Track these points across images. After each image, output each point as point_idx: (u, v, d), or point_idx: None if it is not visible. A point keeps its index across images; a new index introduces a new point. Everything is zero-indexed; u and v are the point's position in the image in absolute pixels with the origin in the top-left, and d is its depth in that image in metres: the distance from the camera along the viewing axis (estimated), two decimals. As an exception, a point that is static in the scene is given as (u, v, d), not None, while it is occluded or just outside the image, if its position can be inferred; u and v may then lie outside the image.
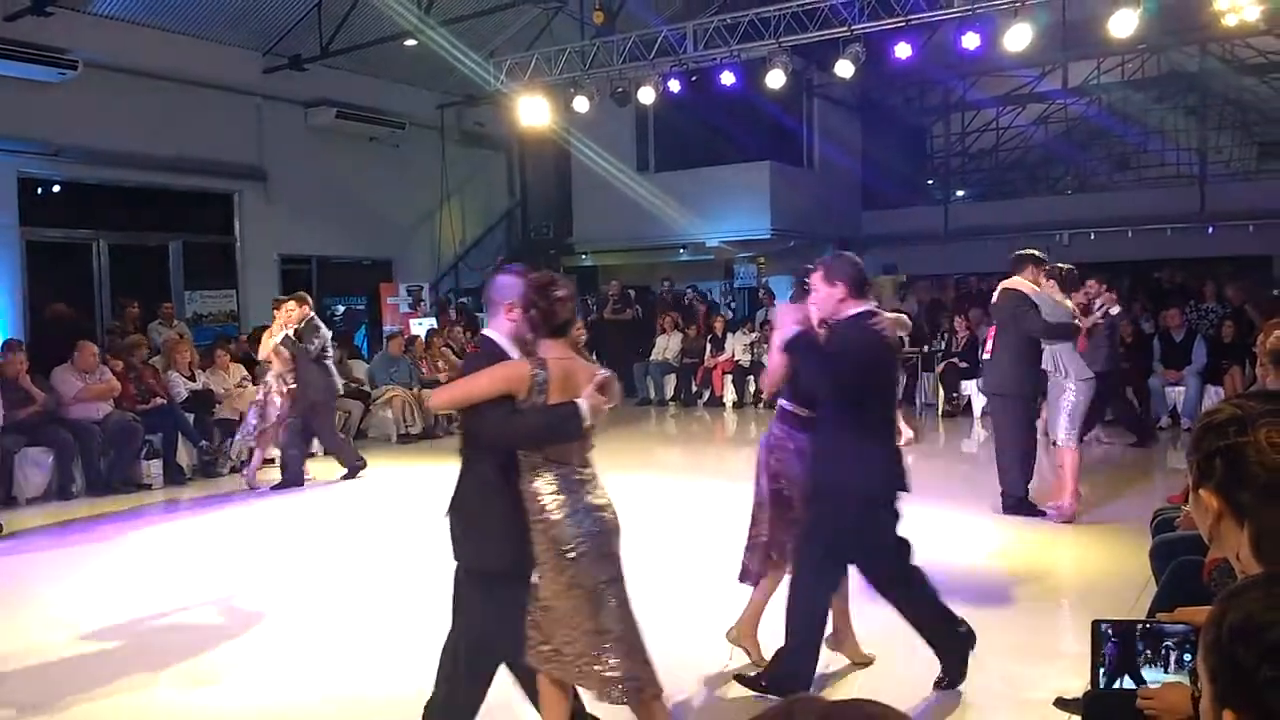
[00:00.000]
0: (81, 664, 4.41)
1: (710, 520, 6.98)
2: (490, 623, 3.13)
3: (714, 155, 15.57)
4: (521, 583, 3.04)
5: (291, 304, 8.76)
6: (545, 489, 2.94)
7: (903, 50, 10.19)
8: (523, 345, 3.06)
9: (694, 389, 13.70)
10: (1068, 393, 6.54)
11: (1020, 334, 6.56)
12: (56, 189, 12.11)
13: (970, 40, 9.56)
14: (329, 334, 9.20)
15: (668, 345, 14.02)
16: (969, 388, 11.93)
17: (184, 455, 9.10)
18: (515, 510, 3.02)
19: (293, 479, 8.65)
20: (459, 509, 3.21)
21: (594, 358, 4.03)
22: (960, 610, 4.80)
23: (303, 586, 5.64)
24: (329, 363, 8.96)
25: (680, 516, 7.17)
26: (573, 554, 2.90)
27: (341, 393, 9.47)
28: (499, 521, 3.02)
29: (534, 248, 17.87)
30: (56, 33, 10.69)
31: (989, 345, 6.97)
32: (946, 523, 6.65)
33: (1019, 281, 6.66)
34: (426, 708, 3.33)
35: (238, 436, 9.02)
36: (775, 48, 10.55)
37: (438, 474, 9.44)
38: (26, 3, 10.28)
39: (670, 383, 13.96)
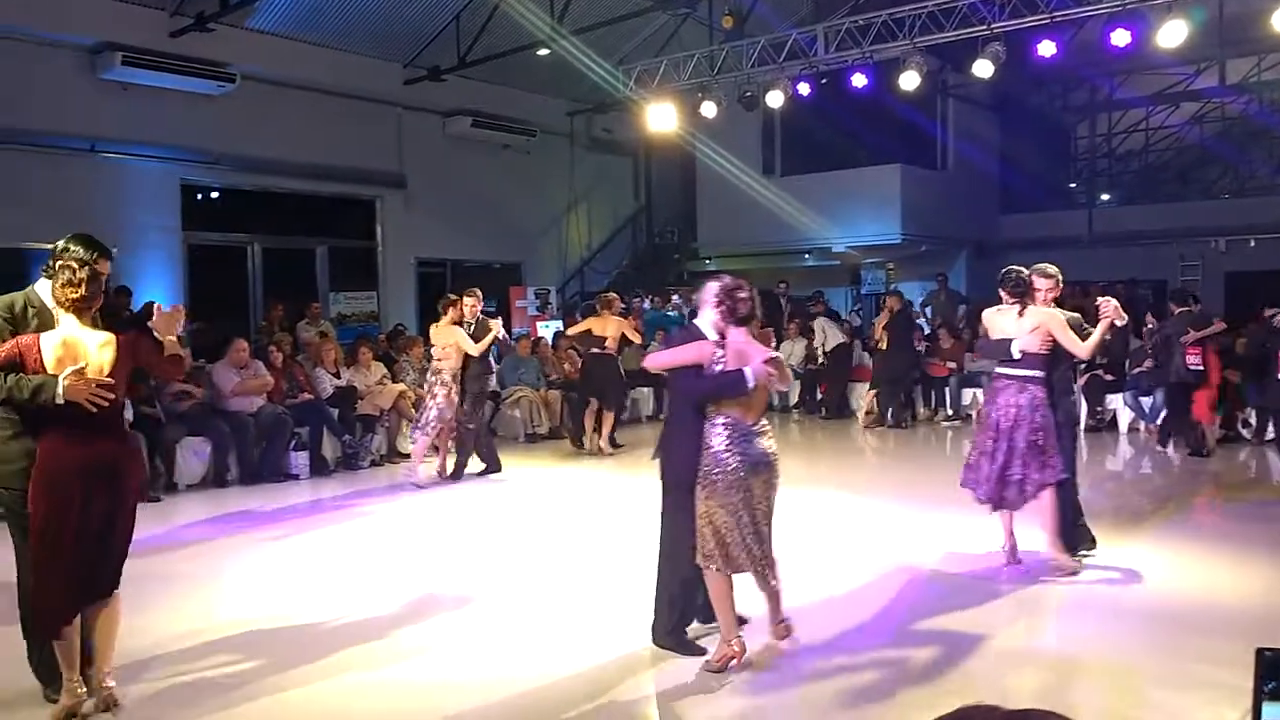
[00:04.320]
0: (245, 643, 4.65)
1: (829, 529, 6.89)
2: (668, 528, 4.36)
3: (842, 158, 15.34)
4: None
5: (471, 300, 8.94)
6: None
7: (1046, 48, 9.80)
8: None
9: (818, 397, 13.50)
10: None
11: None
12: (215, 195, 12.94)
13: (1120, 37, 9.12)
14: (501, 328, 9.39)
15: (791, 351, 13.86)
16: (1114, 402, 11.34)
17: (328, 448, 9.53)
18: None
19: (493, 466, 9.19)
20: None
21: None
22: (1116, 635, 4.60)
23: (449, 574, 5.81)
24: (491, 360, 9.45)
25: (804, 526, 7.09)
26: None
27: (494, 388, 9.65)
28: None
29: (658, 252, 18.00)
30: (217, 48, 11.42)
31: None
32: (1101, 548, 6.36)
33: None
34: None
35: (415, 431, 9.16)
36: (910, 48, 10.32)
37: (563, 473, 9.49)
38: (190, 20, 11.01)
39: (795, 390, 13.78)
